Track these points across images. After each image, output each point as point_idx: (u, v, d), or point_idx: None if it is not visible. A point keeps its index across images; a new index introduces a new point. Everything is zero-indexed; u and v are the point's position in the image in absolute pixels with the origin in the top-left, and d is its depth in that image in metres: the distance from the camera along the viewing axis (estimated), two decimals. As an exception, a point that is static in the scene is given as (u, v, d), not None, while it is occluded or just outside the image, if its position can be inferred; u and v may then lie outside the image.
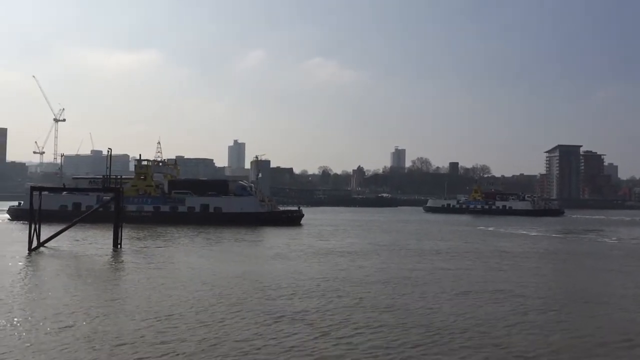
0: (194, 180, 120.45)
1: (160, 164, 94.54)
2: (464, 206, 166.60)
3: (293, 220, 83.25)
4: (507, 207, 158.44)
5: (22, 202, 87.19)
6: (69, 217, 72.55)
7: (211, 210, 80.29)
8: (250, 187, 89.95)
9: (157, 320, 19.18)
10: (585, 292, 27.26)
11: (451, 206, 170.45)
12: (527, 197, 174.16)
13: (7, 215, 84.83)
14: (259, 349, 16.10)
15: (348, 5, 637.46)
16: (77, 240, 48.97)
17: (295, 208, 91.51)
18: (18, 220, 75.26)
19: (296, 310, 21.02)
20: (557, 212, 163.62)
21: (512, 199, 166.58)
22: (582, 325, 20.07)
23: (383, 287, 27.00)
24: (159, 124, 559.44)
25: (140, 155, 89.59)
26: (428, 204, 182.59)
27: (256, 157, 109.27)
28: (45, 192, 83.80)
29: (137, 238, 53.12)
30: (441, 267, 35.40)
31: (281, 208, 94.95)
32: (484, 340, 17.48)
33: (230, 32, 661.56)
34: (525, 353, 16.36)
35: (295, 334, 17.78)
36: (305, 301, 22.94)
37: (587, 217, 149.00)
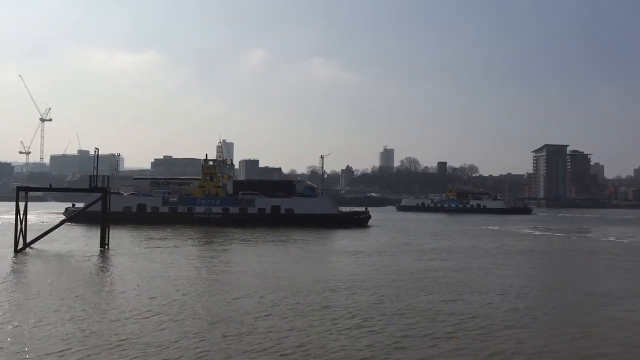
0: (260, 180, 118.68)
1: (222, 164, 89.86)
2: (438, 205, 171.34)
3: (361, 221, 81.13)
4: (481, 206, 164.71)
5: (82, 204, 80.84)
6: (133, 219, 72.54)
7: (282, 211, 77.51)
8: (316, 187, 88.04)
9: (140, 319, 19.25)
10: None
11: (425, 205, 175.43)
12: (499, 196, 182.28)
13: (64, 217, 76.24)
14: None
15: (348, 6, 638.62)
16: (72, 241, 48.55)
17: (363, 209, 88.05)
18: (75, 223, 67.63)
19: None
20: (527, 211, 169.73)
21: (485, 198, 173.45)
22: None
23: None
24: (152, 124, 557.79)
25: (207, 155, 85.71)
26: (402, 203, 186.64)
27: (322, 156, 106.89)
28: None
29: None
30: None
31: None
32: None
33: (230, 33, 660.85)
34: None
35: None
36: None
37: (553, 215, 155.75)
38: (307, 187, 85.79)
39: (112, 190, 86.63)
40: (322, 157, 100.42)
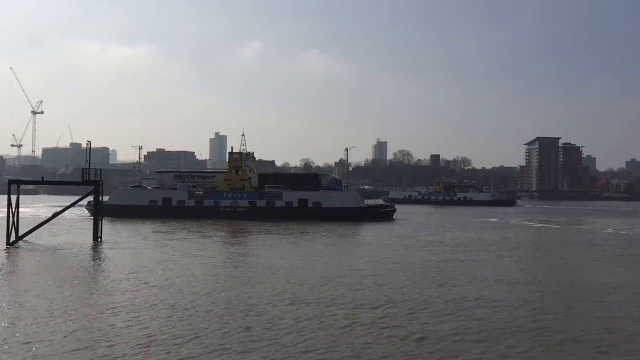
0: (285, 173, 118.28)
1: (246, 157, 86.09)
2: (425, 197, 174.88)
3: (387, 214, 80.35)
4: (467, 198, 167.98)
5: (107, 197, 77.88)
6: (159, 213, 72.16)
7: (310, 205, 75.67)
8: (341, 181, 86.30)
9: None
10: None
11: (412, 197, 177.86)
12: (485, 188, 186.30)
13: (87, 212, 74.39)
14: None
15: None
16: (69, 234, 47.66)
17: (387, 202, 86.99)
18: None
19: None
20: (511, 203, 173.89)
21: (472, 190, 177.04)
22: None
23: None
24: (146, 117, 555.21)
25: (232, 147, 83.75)
26: (389, 196, 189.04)
27: (346, 149, 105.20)
28: (128, 189, 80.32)
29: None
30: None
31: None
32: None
33: (226, 26, 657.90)
34: None
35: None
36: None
37: (538, 207, 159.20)
38: (333, 180, 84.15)
39: (134, 184, 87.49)
40: (346, 150, 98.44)
